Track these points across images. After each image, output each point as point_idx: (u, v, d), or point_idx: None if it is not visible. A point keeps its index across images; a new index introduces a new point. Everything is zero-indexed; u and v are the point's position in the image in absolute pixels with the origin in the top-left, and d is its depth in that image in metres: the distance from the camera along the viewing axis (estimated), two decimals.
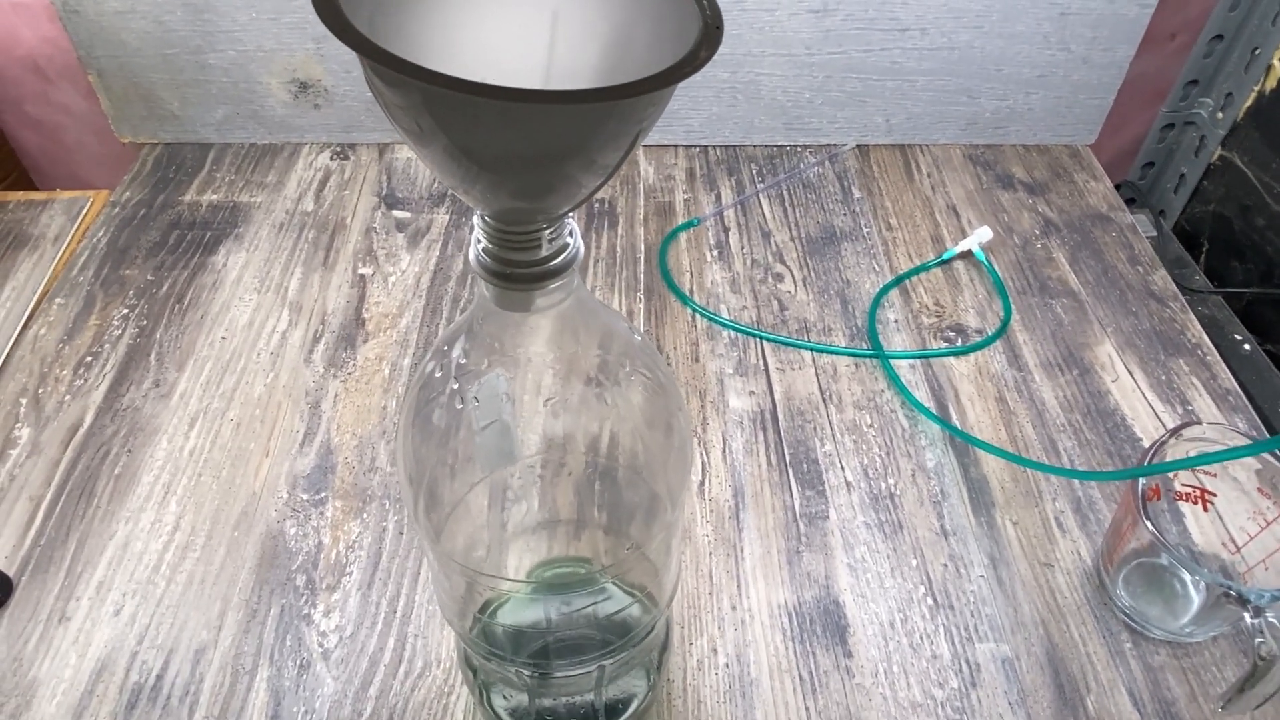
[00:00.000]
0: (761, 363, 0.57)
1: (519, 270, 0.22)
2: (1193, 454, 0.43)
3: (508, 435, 0.28)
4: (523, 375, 0.26)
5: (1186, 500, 0.46)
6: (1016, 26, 0.67)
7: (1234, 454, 0.39)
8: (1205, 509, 0.46)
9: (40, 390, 0.54)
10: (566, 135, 0.18)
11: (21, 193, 0.68)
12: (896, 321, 0.59)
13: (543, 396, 0.26)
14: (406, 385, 0.55)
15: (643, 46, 0.20)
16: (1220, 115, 0.75)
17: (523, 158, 0.19)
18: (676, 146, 0.73)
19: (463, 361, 0.26)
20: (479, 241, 0.22)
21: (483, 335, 0.25)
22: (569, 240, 0.22)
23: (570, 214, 0.22)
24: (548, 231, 0.22)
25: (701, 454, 0.51)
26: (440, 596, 0.35)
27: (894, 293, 0.61)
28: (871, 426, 0.53)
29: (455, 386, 0.26)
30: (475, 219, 0.22)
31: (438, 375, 0.26)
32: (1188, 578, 0.45)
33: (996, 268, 0.63)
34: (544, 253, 0.22)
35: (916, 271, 0.63)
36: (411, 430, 0.28)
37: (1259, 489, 0.43)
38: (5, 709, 0.41)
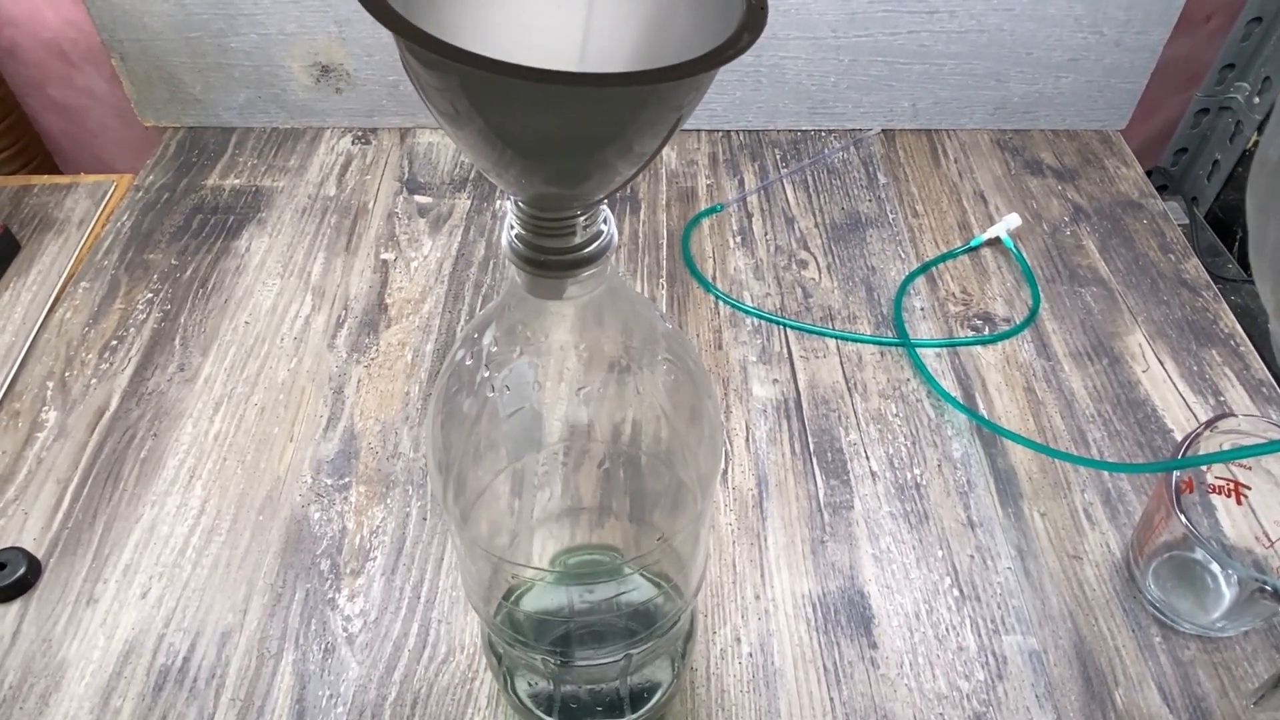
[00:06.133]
0: (785, 350, 0.56)
1: (552, 257, 0.22)
2: (1227, 446, 0.42)
3: (536, 422, 0.28)
4: (552, 362, 0.25)
5: (1219, 493, 0.45)
6: (1047, 9, 0.66)
7: (1273, 448, 0.38)
8: (1239, 502, 0.45)
9: (66, 374, 0.54)
10: (605, 120, 0.17)
11: (46, 176, 0.68)
12: (923, 309, 0.59)
13: (572, 384, 0.26)
14: (430, 371, 0.55)
15: (682, 28, 0.20)
16: (1257, 100, 0.73)
17: (559, 142, 0.18)
18: (699, 131, 0.73)
19: (494, 349, 0.25)
20: (512, 228, 0.22)
21: (513, 322, 0.25)
22: (603, 228, 0.22)
23: (604, 200, 0.22)
24: (582, 218, 0.21)
25: (724, 442, 0.51)
26: (466, 581, 0.35)
27: (920, 280, 0.61)
28: (897, 416, 0.52)
29: (486, 374, 0.25)
30: (508, 204, 0.22)
31: (468, 363, 0.26)
32: (1219, 572, 0.44)
33: (1025, 255, 0.62)
34: (578, 240, 0.21)
35: (943, 259, 0.62)
36: (440, 417, 0.27)
37: None
38: (35, 689, 0.41)
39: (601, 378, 0.26)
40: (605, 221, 0.22)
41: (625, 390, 0.27)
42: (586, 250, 0.22)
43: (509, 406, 0.27)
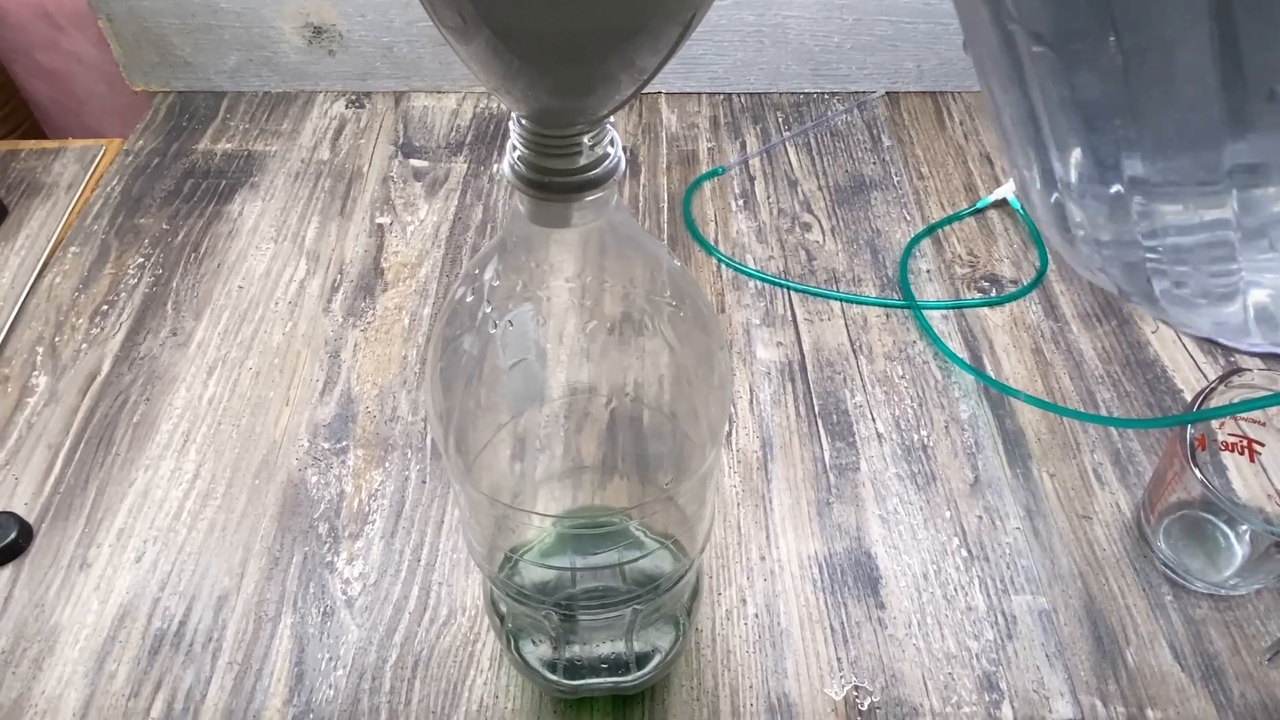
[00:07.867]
0: (789, 313, 0.55)
1: (557, 179, 0.21)
2: (1239, 401, 0.42)
3: (541, 367, 0.27)
4: (556, 298, 0.25)
5: (1232, 450, 0.45)
6: None
7: None
8: (1251, 459, 0.44)
9: (57, 339, 0.53)
10: (616, 8, 0.16)
11: (33, 141, 0.67)
12: (929, 271, 0.58)
13: (577, 322, 0.25)
14: (428, 335, 0.54)
15: None
16: None
17: (564, 44, 0.17)
18: (700, 94, 0.71)
19: (495, 284, 0.24)
20: (515, 149, 0.21)
21: (516, 255, 0.24)
22: (610, 150, 0.21)
23: (609, 120, 0.21)
24: (588, 138, 0.20)
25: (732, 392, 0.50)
26: (469, 538, 0.34)
27: (926, 242, 0.60)
28: (903, 378, 0.52)
29: (488, 310, 0.24)
30: (511, 126, 0.21)
31: (469, 299, 0.25)
32: (1231, 529, 0.43)
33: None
34: (583, 160, 0.20)
35: (949, 221, 0.61)
36: (440, 362, 0.26)
37: None
38: (28, 654, 0.40)
39: (607, 315, 0.25)
40: (612, 144, 0.21)
41: (632, 329, 0.26)
42: (593, 172, 0.21)
43: (511, 356, 0.26)
